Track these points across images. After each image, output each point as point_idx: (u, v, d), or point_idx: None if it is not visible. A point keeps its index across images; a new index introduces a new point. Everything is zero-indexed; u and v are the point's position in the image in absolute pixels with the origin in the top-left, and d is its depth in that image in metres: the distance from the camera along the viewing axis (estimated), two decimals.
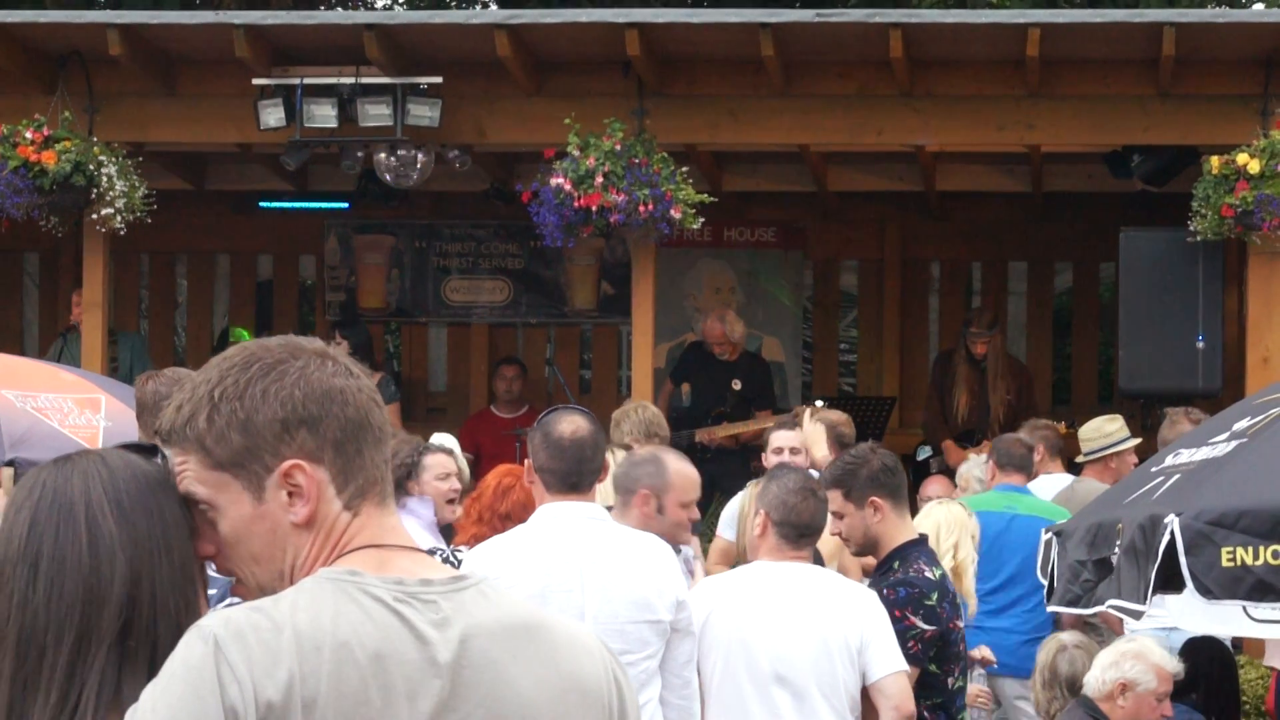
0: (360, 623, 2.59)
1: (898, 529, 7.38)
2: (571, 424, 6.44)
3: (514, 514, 8.75)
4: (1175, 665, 8.04)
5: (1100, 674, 7.89)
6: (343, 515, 2.72)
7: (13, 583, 2.72)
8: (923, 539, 7.58)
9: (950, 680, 7.31)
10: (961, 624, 7.54)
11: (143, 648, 2.70)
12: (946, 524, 9.64)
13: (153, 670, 2.63)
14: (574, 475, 6.41)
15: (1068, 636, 8.61)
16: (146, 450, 2.85)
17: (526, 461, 6.56)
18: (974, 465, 11.92)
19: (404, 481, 9.05)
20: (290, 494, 2.70)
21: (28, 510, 2.76)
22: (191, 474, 2.74)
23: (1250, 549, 5.55)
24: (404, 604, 2.63)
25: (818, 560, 8.05)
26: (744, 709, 6.80)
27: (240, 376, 2.72)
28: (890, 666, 6.83)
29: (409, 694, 2.59)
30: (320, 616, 2.57)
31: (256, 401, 2.70)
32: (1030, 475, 11.15)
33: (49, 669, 2.68)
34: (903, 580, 7.22)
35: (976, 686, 9.80)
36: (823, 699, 6.78)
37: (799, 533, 6.95)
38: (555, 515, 6.42)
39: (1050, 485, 11.37)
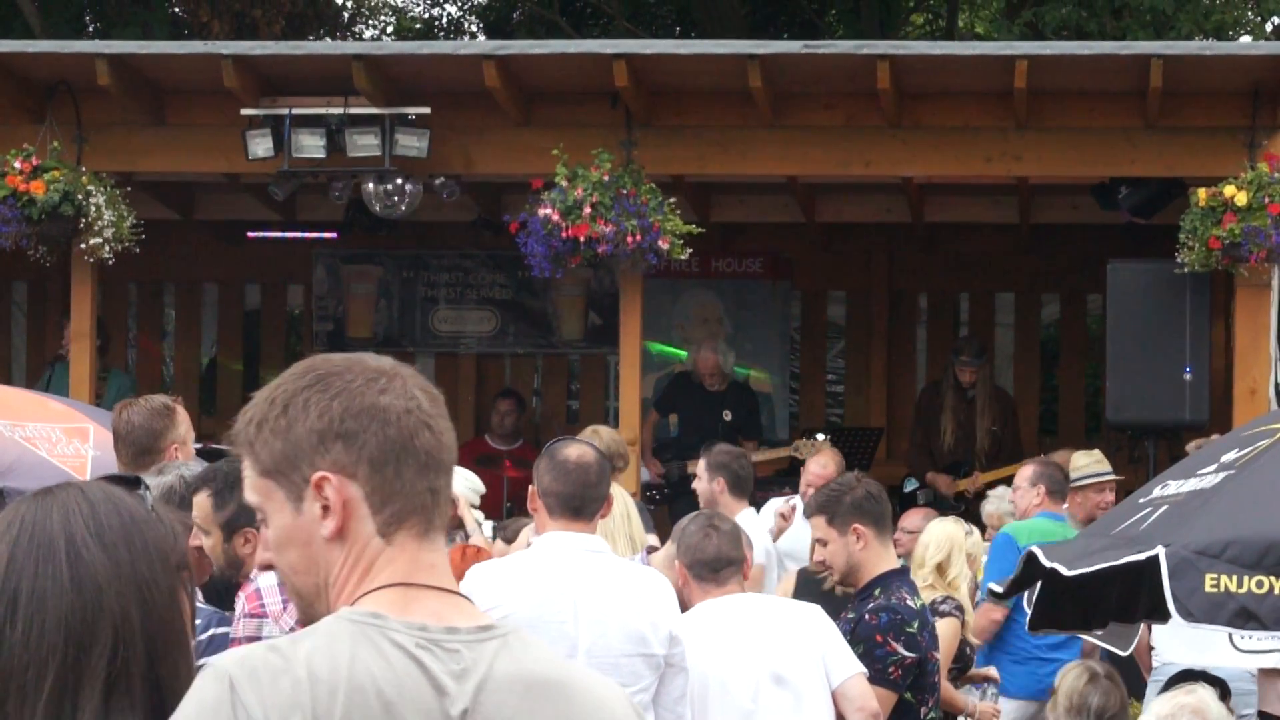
0: (378, 669, 2.54)
1: (880, 557, 7.43)
2: (578, 449, 6.52)
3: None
4: None
5: None
6: (375, 540, 2.67)
7: None
8: (904, 569, 7.62)
9: (924, 710, 7.34)
10: (938, 654, 7.58)
11: (134, 687, 2.63)
12: (937, 541, 9.62)
13: (147, 710, 2.59)
14: (577, 499, 6.43)
15: (1098, 665, 8.42)
16: (129, 482, 2.80)
17: (531, 488, 6.58)
18: (998, 502, 11.90)
19: None
20: (323, 507, 2.67)
21: (4, 546, 2.68)
22: (248, 479, 2.73)
23: (1234, 577, 5.55)
24: (425, 651, 2.59)
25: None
26: None
27: (293, 385, 2.71)
28: (848, 670, 6.96)
29: None
30: (337, 660, 2.53)
31: (299, 411, 2.68)
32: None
33: (30, 711, 2.61)
34: (885, 606, 7.28)
35: (989, 705, 9.77)
36: (807, 710, 6.83)
37: (711, 568, 7.12)
38: (554, 545, 6.43)
39: None
